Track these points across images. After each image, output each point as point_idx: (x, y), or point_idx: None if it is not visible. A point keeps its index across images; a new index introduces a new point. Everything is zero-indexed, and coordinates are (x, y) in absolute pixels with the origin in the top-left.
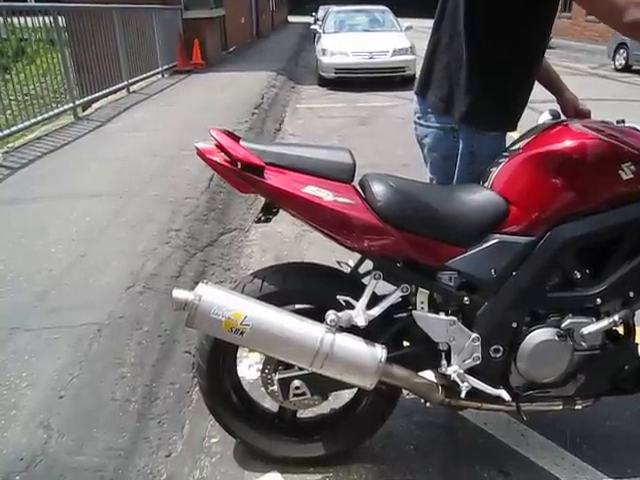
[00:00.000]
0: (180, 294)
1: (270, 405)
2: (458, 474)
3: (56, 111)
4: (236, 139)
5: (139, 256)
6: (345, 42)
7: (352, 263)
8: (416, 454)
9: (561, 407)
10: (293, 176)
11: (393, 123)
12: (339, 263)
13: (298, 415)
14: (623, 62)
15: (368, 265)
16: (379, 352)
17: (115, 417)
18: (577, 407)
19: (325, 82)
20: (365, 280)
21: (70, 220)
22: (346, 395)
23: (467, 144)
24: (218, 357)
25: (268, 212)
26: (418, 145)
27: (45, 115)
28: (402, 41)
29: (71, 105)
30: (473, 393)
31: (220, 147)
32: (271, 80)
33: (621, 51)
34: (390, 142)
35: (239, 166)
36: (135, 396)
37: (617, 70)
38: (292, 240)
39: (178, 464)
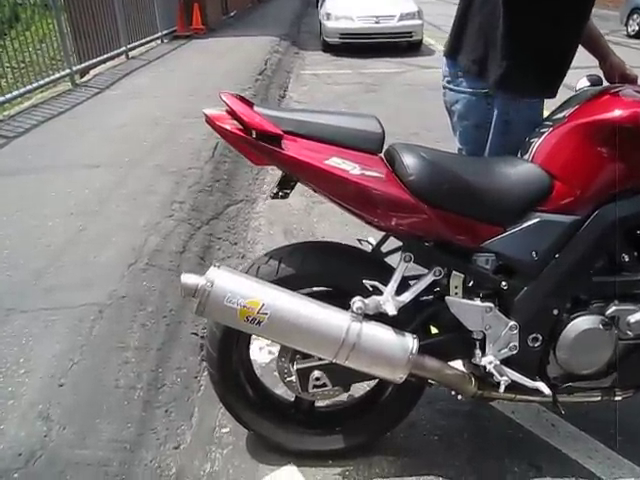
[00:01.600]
0: (189, 279)
1: (286, 394)
2: (486, 468)
3: (52, 77)
4: (249, 105)
5: (141, 230)
6: (350, 6)
7: (373, 241)
8: (441, 445)
9: (599, 398)
10: (315, 146)
11: (401, 90)
12: (360, 241)
13: (315, 405)
14: (636, 28)
15: (391, 244)
16: (410, 342)
17: (119, 406)
18: (617, 398)
19: (329, 48)
20: (389, 260)
21: (68, 192)
22: (368, 384)
23: (502, 111)
24: (230, 345)
25: (285, 186)
26: (446, 112)
27: (41, 82)
28: (409, 5)
29: (68, 71)
30: (507, 384)
31: (232, 113)
32: (274, 45)
33: (634, 16)
34: (398, 110)
35: (253, 135)
36: (140, 383)
37: (630, 36)
38: (301, 212)
39: (188, 457)
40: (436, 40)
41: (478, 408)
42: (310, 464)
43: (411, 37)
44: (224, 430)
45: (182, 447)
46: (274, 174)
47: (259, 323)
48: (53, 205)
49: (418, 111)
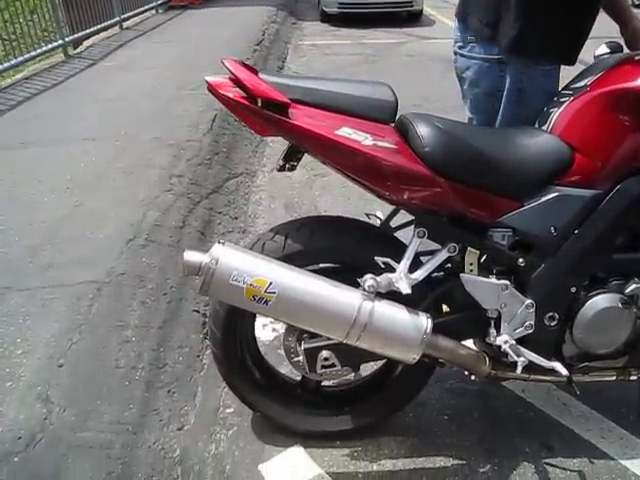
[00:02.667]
0: (193, 257)
1: (291, 374)
2: (497, 448)
3: (45, 48)
4: (254, 71)
5: (139, 205)
6: None
7: (382, 215)
8: (451, 425)
9: (614, 378)
10: (324, 115)
11: (401, 61)
12: (368, 216)
13: (323, 385)
14: None
15: (399, 219)
16: (424, 322)
17: (120, 387)
18: (632, 378)
19: (328, 18)
20: (398, 235)
21: (63, 166)
22: (376, 363)
23: (515, 79)
24: (234, 324)
25: (292, 158)
26: (457, 79)
27: (33, 53)
28: None
29: (61, 42)
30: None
31: (235, 81)
32: (271, 16)
33: None
34: (399, 81)
35: (259, 103)
36: (141, 362)
37: (635, 6)
38: (302, 185)
39: (191, 438)
40: (437, 10)
41: (488, 387)
42: (317, 445)
43: (411, 7)
44: (228, 410)
45: (186, 428)
46: (274, 147)
47: (266, 302)
48: (48, 180)
49: (419, 82)
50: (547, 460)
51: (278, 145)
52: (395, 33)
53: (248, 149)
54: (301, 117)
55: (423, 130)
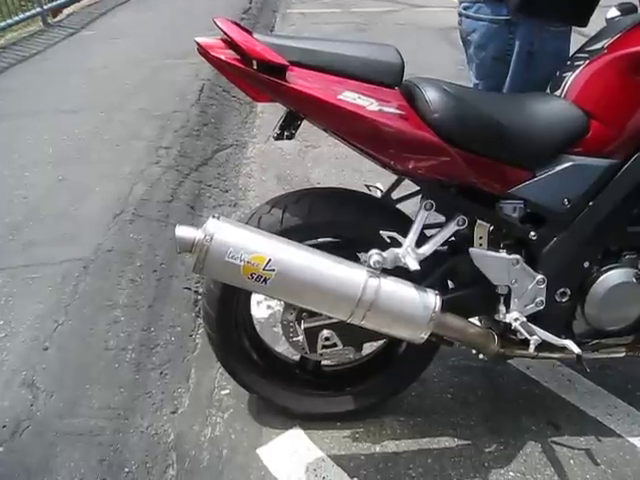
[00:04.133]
0: (185, 232)
1: (289, 353)
2: (503, 427)
3: (22, 16)
4: (248, 32)
5: (126, 179)
6: None
7: (382, 187)
8: (455, 404)
9: (624, 354)
10: (325, 79)
11: (392, 30)
12: (368, 187)
13: (322, 365)
14: None
15: (402, 190)
16: (432, 299)
17: (110, 370)
18: None
19: None
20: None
21: (45, 139)
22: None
23: (525, 42)
24: (230, 303)
25: (290, 125)
26: (462, 43)
27: (10, 21)
28: None
29: (39, 10)
30: (529, 341)
31: (228, 42)
32: None
33: None
34: None
35: (254, 66)
36: (131, 343)
37: None
38: (294, 157)
39: (186, 422)
40: None
41: (491, 364)
42: (317, 427)
43: None
44: (224, 392)
45: (180, 411)
46: (264, 117)
47: (265, 281)
48: (29, 154)
49: (411, 52)
50: (554, 439)
51: (268, 116)
52: (385, 1)
53: (238, 120)
54: (300, 80)
55: (432, 95)
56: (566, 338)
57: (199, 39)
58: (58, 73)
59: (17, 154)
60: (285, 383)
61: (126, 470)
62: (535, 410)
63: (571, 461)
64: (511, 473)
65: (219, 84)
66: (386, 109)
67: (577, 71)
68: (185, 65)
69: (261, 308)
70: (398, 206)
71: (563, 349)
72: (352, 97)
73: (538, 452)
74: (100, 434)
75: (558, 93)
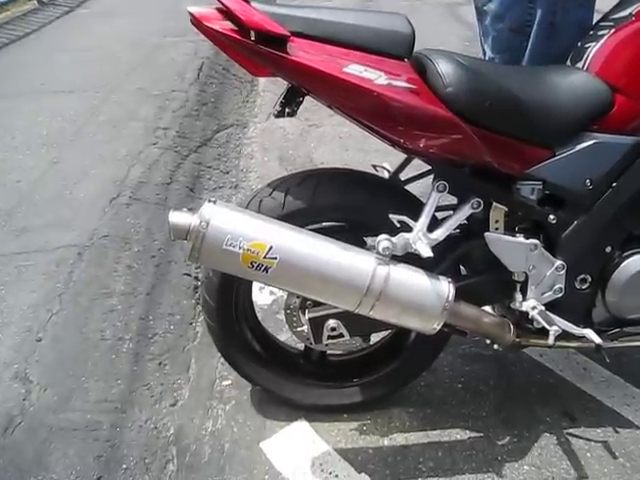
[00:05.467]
0: (180, 218)
1: (293, 342)
2: (516, 418)
3: None
4: (246, 0)
5: (123, 161)
6: None
7: (389, 167)
8: (465, 394)
9: None
10: (330, 50)
11: (398, 5)
12: (375, 167)
13: (327, 354)
14: None
15: (409, 170)
16: (446, 288)
17: (107, 361)
18: None
19: None
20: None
21: (38, 121)
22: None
23: (547, 11)
24: (230, 292)
25: (292, 102)
26: (476, 14)
27: None
28: None
29: None
30: (546, 330)
31: (224, 12)
32: None
33: None
34: None
35: (252, 37)
36: (129, 333)
37: None
38: (297, 137)
39: (186, 415)
40: None
41: (503, 352)
42: (323, 420)
43: None
44: (225, 383)
45: (180, 404)
46: (266, 96)
47: (266, 270)
48: (22, 136)
49: (417, 28)
50: (569, 430)
51: (270, 94)
52: None
53: (238, 99)
54: (303, 53)
55: (445, 68)
56: (585, 327)
57: (192, 9)
58: (54, 53)
59: (10, 136)
60: (289, 374)
61: (124, 467)
62: (549, 400)
63: (588, 454)
64: (526, 467)
65: (219, 62)
66: (395, 83)
67: (601, 41)
68: (184, 43)
69: (263, 294)
70: (406, 187)
71: (581, 338)
72: (358, 70)
73: (553, 444)
74: (96, 429)
75: (580, 65)
